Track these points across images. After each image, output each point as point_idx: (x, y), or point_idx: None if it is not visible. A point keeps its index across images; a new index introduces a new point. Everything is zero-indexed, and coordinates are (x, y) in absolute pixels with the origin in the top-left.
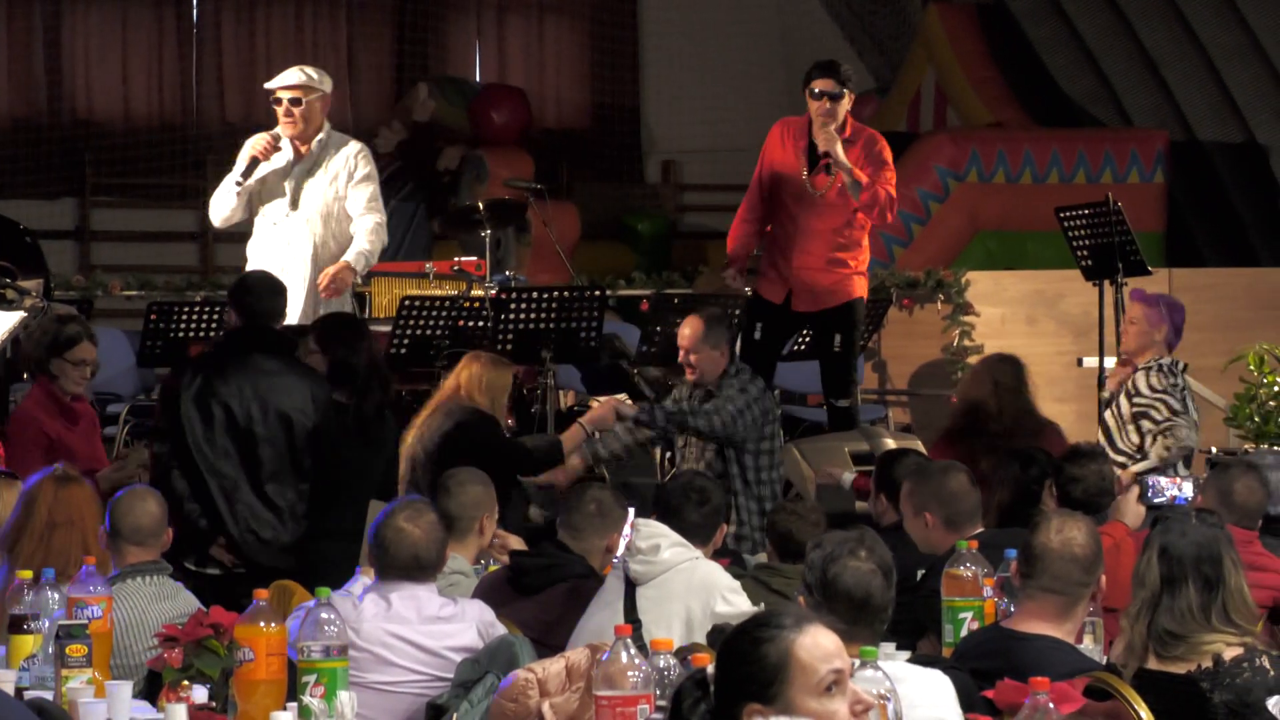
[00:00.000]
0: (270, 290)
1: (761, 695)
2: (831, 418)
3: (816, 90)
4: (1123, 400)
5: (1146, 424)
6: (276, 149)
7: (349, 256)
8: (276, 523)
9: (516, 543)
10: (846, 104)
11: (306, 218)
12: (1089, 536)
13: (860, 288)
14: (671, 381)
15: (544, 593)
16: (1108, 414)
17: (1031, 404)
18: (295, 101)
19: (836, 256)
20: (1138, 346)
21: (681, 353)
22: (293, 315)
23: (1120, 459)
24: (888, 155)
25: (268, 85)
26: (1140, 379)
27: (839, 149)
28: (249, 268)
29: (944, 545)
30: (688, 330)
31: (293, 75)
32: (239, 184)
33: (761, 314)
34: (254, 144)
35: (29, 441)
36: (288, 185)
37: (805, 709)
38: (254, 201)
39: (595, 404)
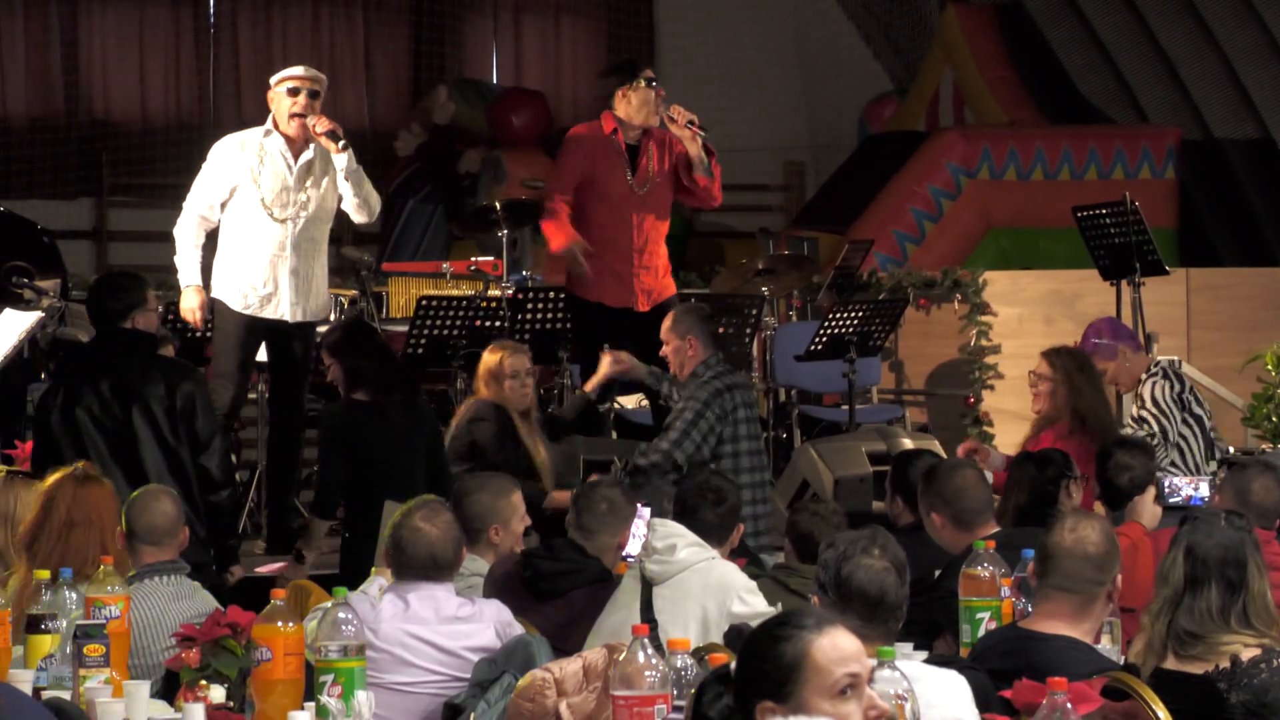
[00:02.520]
0: (112, 291)
1: (775, 693)
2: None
3: (649, 78)
4: (1134, 406)
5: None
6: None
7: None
8: None
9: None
10: None
11: (321, 215)
12: (1102, 535)
13: (673, 282)
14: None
15: (560, 597)
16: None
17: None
18: (315, 94)
19: (662, 252)
20: (1127, 380)
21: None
22: (317, 313)
23: None
24: None
25: (296, 73)
26: (1146, 390)
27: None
28: (237, 268)
29: (957, 545)
30: (664, 322)
31: (312, 70)
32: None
33: (605, 323)
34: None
35: None
36: (293, 183)
37: (818, 710)
38: (240, 199)
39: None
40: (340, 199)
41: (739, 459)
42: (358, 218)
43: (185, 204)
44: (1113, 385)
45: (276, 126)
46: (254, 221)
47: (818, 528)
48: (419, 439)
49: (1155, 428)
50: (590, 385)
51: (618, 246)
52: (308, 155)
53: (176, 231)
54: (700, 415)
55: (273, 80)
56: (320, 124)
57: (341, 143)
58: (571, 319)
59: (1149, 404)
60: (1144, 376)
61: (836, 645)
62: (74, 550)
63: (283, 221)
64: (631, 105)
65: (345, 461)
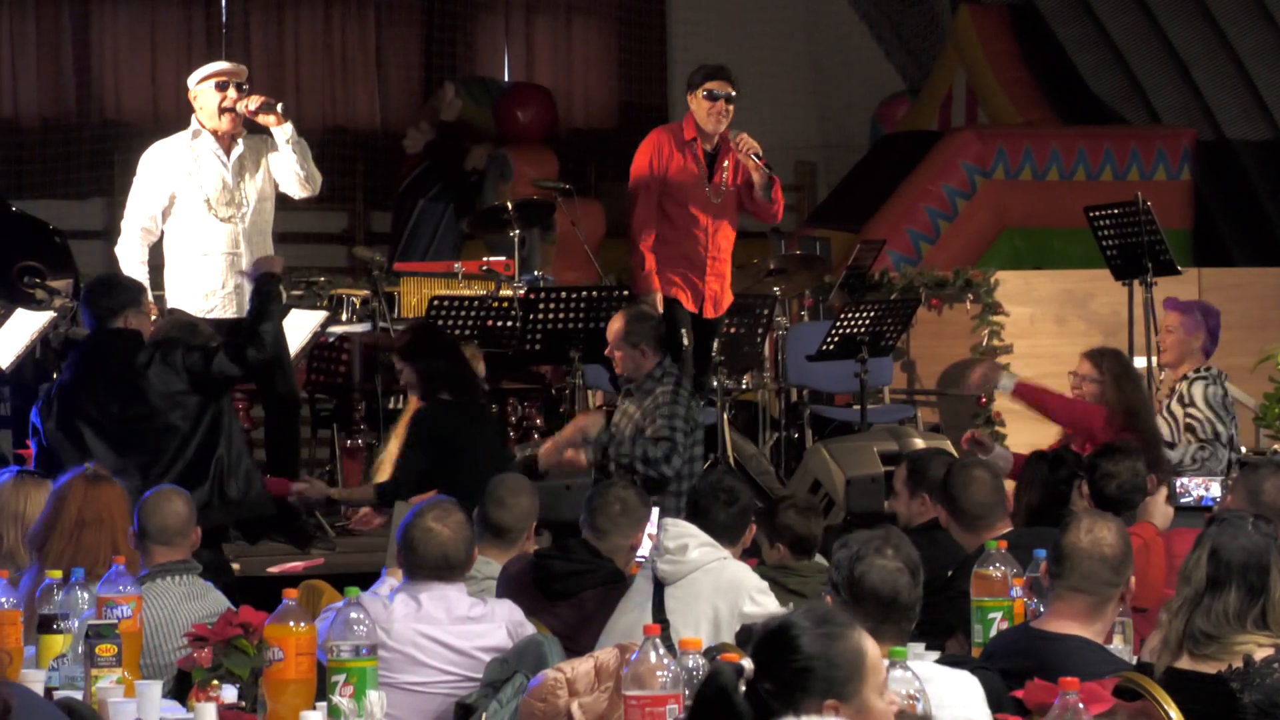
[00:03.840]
0: (107, 289)
1: (841, 692)
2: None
3: (716, 92)
4: (1176, 406)
5: (1189, 437)
6: None
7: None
8: None
9: None
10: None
11: (262, 206)
12: (1118, 537)
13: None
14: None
15: (573, 598)
16: (1160, 419)
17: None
18: (241, 87)
19: (727, 257)
20: (1177, 356)
21: (608, 347)
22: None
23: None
24: None
25: (222, 67)
26: (1197, 390)
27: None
28: (193, 274)
29: (967, 544)
30: (612, 327)
31: (234, 64)
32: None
33: (684, 323)
34: None
35: None
36: (232, 180)
37: (874, 707)
38: (182, 204)
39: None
40: (276, 185)
41: (687, 465)
42: (300, 192)
43: (125, 222)
44: (1160, 344)
45: (204, 126)
46: (201, 225)
47: (811, 525)
48: (495, 434)
49: (1209, 431)
50: (547, 449)
51: (693, 254)
52: (238, 150)
53: (120, 251)
54: (688, 432)
55: (193, 81)
56: (250, 102)
57: (280, 107)
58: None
59: (1201, 405)
60: (1190, 374)
61: (876, 645)
62: (85, 550)
63: (229, 220)
64: (693, 110)
65: (434, 460)
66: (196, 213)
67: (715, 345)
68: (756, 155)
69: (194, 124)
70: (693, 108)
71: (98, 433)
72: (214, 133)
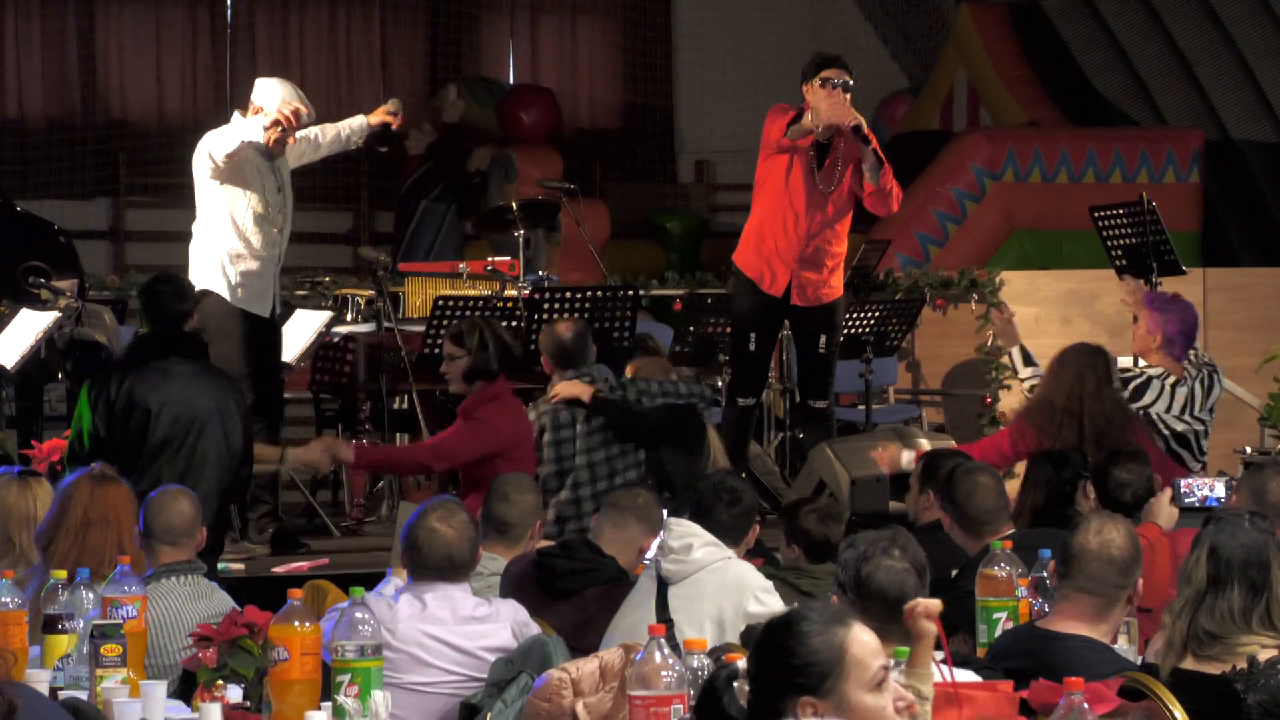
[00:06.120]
0: (179, 294)
1: (816, 689)
2: (806, 420)
3: (834, 80)
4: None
5: None
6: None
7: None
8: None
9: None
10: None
11: (287, 215)
12: (1127, 539)
13: (842, 283)
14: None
15: (575, 596)
16: None
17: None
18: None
19: (836, 252)
20: (1137, 349)
21: None
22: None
23: None
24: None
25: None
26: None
27: (865, 125)
28: (251, 274)
29: (970, 548)
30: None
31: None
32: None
33: (757, 318)
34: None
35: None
36: (275, 186)
37: (858, 704)
38: (255, 208)
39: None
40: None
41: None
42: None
43: (227, 146)
44: (1137, 343)
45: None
46: (261, 229)
47: (824, 527)
48: None
49: None
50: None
51: (787, 237)
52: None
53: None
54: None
55: (279, 98)
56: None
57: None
58: (732, 295)
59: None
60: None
61: (868, 639)
62: (91, 550)
63: (280, 229)
64: (810, 102)
65: None
66: (261, 216)
67: (823, 341)
68: (856, 129)
69: (254, 130)
70: (810, 99)
71: (168, 421)
72: (266, 144)
